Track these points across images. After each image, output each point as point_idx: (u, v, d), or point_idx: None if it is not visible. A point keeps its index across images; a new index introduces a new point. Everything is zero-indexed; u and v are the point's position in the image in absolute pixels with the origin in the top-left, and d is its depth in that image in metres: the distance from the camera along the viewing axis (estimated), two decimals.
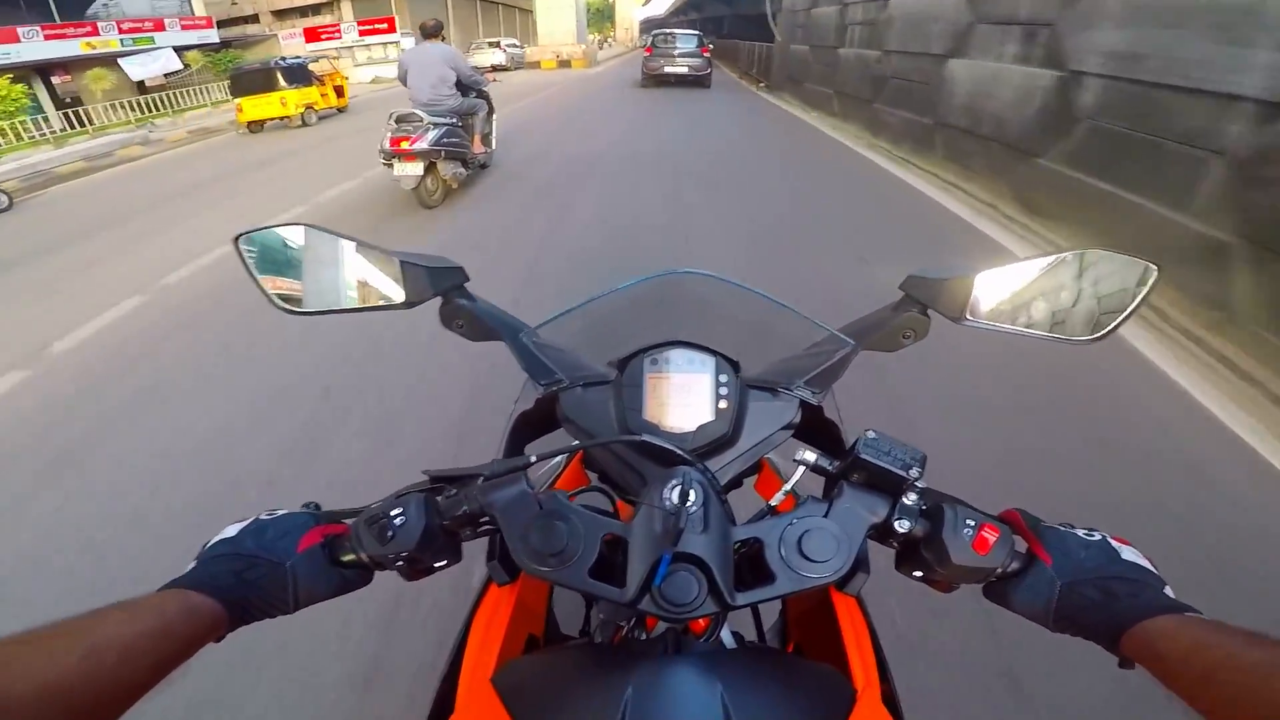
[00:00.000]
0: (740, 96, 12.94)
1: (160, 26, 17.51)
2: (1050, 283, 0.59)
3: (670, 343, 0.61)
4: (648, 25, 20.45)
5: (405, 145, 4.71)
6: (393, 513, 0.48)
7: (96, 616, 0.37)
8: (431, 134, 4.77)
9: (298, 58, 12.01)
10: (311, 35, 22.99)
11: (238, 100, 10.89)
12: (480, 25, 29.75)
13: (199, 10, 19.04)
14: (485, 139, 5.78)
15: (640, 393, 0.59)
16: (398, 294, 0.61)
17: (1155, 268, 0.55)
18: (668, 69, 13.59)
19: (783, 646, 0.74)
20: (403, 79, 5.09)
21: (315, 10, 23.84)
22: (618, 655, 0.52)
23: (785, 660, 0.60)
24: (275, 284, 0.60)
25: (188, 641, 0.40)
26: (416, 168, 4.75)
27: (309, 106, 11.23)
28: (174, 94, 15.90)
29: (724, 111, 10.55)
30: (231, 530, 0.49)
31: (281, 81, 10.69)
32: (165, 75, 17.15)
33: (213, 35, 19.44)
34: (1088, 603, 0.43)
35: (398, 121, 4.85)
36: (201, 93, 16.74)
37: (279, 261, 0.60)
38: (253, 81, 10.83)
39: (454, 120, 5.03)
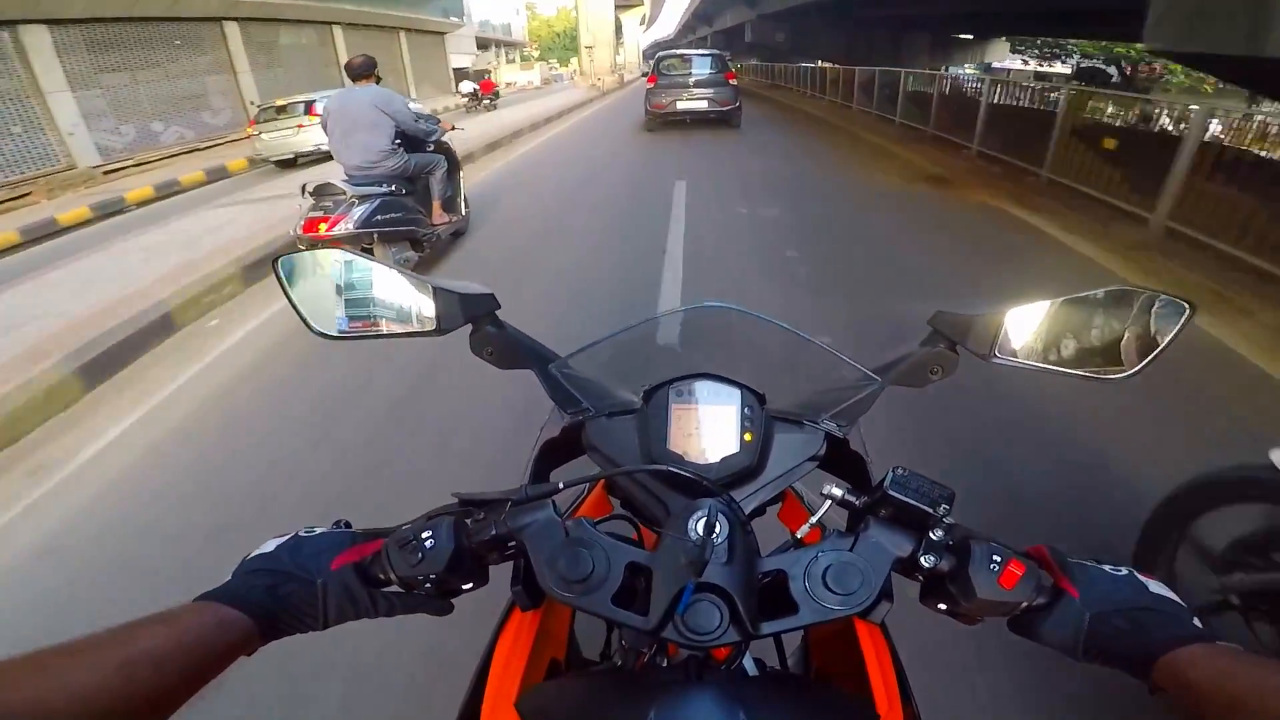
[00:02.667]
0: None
1: None
2: (1081, 320, 0.58)
3: (696, 375, 0.62)
4: (654, 52, 15.83)
5: (323, 229, 3.36)
6: (423, 535, 0.49)
7: (132, 628, 0.38)
8: (358, 210, 3.41)
9: None
10: None
11: None
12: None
13: None
14: (448, 204, 4.37)
15: (665, 423, 0.60)
16: (430, 321, 0.61)
17: (1188, 305, 0.55)
18: (680, 104, 9.93)
19: (805, 673, 0.75)
20: (326, 132, 3.75)
21: None
22: (640, 682, 0.52)
23: (808, 687, 0.61)
24: (311, 307, 0.61)
25: (221, 655, 0.41)
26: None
27: None
28: None
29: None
30: (270, 545, 0.50)
31: None
32: None
33: None
34: (1117, 632, 0.43)
35: (314, 194, 3.51)
36: None
37: (315, 285, 0.61)
38: None
39: (391, 188, 3.66)
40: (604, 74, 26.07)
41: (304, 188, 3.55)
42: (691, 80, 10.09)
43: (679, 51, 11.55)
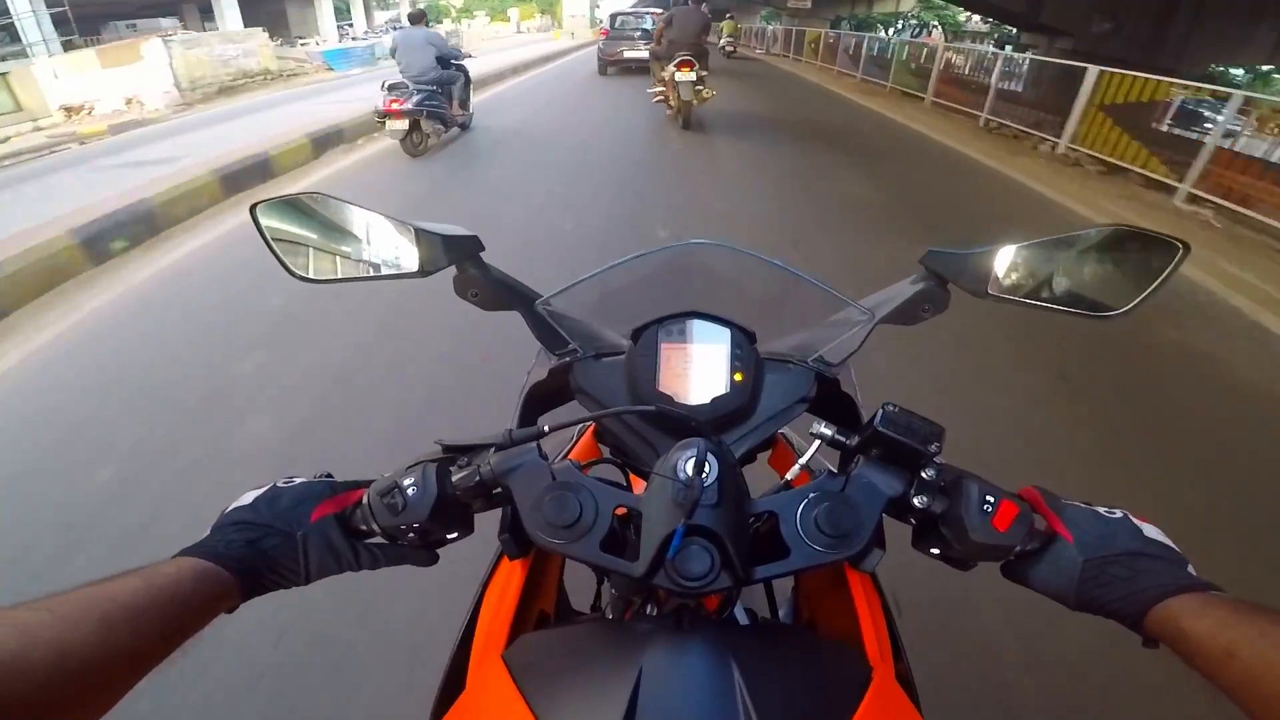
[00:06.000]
0: None
1: None
2: (1074, 258, 0.57)
3: (686, 313, 0.62)
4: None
5: (395, 106, 6.15)
6: (405, 483, 0.48)
7: (111, 583, 0.37)
8: (415, 98, 6.21)
9: None
10: None
11: None
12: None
13: None
14: (462, 104, 7.20)
15: (655, 364, 0.60)
16: (412, 263, 0.60)
17: (1182, 246, 0.52)
18: (627, 53, 12.79)
19: (796, 623, 0.74)
20: (394, 55, 6.53)
21: None
22: (630, 631, 0.51)
23: (800, 637, 0.60)
24: (291, 251, 0.60)
25: (200, 611, 0.40)
26: (403, 124, 6.18)
27: None
28: None
29: None
30: (248, 498, 0.49)
31: None
32: None
33: None
34: (1111, 579, 0.42)
35: (389, 89, 6.30)
36: None
37: (295, 230, 0.60)
38: None
39: (435, 88, 6.48)
40: (581, 29, 32.68)
41: (384, 84, 6.31)
42: (638, 34, 12.83)
43: (630, 10, 14.58)
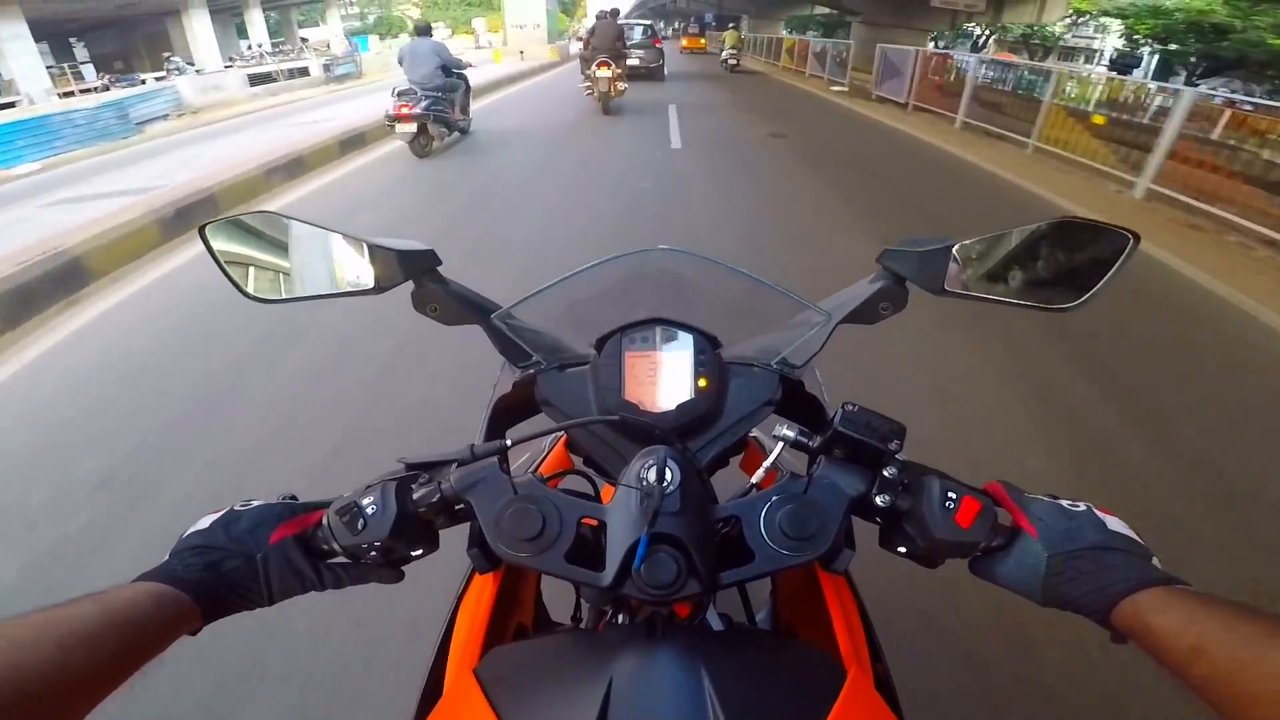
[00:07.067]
0: None
1: None
2: (1027, 251, 0.58)
3: (649, 320, 0.62)
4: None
5: (404, 111, 6.64)
6: (364, 501, 0.48)
7: (67, 608, 0.37)
8: (423, 103, 6.71)
9: None
10: None
11: None
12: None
13: None
14: (464, 109, 7.71)
15: (619, 372, 0.60)
16: (368, 279, 0.59)
17: (1132, 236, 0.53)
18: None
19: (774, 628, 0.74)
20: (401, 63, 7.03)
21: None
22: (601, 641, 0.51)
23: (771, 642, 0.60)
24: (243, 273, 0.60)
25: (159, 635, 0.40)
26: (411, 127, 6.66)
27: None
28: None
29: None
30: (205, 522, 0.49)
31: None
32: None
33: None
34: (1076, 574, 0.42)
35: (398, 95, 6.79)
36: None
37: (246, 249, 0.60)
38: None
39: (439, 94, 6.98)
40: (535, 46, 22.28)
41: (394, 90, 6.79)
42: (630, 44, 13.81)
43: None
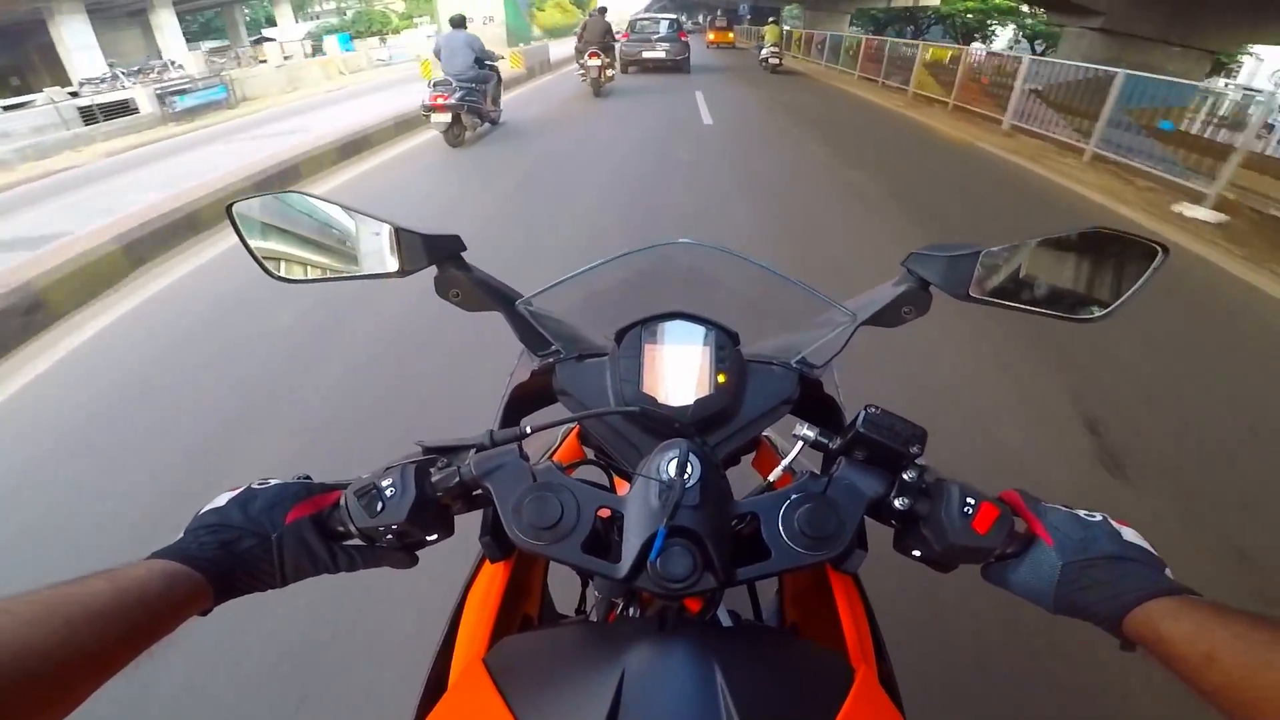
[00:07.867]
0: None
1: None
2: (1055, 260, 0.57)
3: (669, 314, 0.61)
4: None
5: (440, 101, 6.90)
6: (383, 484, 0.48)
7: (77, 585, 0.36)
8: (457, 94, 6.95)
9: None
10: None
11: None
12: None
13: None
14: (495, 101, 7.96)
15: (638, 365, 0.59)
16: (392, 263, 0.60)
17: (1162, 249, 0.53)
18: (645, 54, 14.70)
19: (780, 626, 0.74)
20: (437, 55, 7.29)
21: None
22: (612, 634, 0.51)
23: (782, 639, 0.60)
24: (269, 252, 0.60)
25: (169, 614, 0.39)
26: (446, 117, 6.92)
27: None
28: None
29: None
30: (221, 500, 0.48)
31: None
32: None
33: None
34: (1090, 583, 0.43)
35: (434, 85, 7.05)
36: None
37: (273, 229, 0.60)
38: None
39: (473, 85, 7.23)
40: (493, 46, 16.91)
41: (430, 81, 7.06)
42: (655, 37, 14.86)
43: (647, 15, 16.39)
